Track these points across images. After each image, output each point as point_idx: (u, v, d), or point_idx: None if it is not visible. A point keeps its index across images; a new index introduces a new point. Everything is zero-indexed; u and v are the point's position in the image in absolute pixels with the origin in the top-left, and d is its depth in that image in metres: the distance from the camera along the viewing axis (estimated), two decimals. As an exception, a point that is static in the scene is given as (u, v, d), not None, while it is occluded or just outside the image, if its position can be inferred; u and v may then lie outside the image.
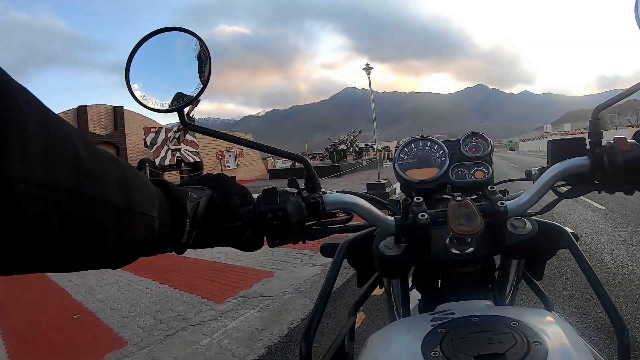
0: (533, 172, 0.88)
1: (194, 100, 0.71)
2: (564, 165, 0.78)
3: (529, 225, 0.74)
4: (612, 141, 0.76)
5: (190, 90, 0.70)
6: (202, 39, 0.70)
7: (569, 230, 0.79)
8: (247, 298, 4.53)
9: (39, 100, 0.40)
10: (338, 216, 0.81)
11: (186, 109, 0.72)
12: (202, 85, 0.70)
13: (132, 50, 0.69)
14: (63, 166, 0.40)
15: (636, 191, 0.78)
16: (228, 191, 0.70)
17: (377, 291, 0.97)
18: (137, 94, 0.70)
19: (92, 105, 24.33)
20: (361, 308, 0.93)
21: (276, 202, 0.70)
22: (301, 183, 0.77)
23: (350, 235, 0.86)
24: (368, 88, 16.73)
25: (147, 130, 21.82)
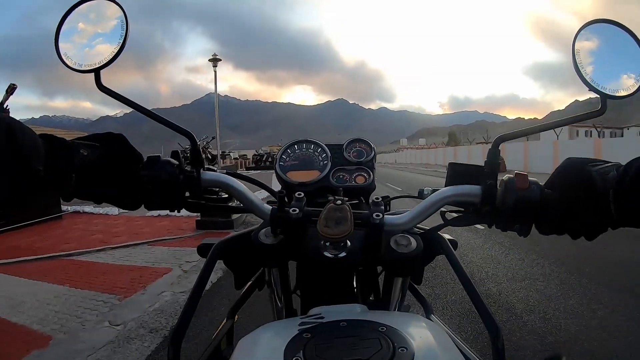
0: (425, 191, 0.88)
1: (109, 64, 0.72)
2: (455, 190, 0.75)
3: (413, 243, 0.72)
4: (512, 175, 0.69)
5: (107, 54, 0.72)
6: (124, 8, 0.75)
7: (447, 237, 0.80)
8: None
9: None
10: (220, 195, 0.85)
11: (102, 72, 0.74)
12: (116, 51, 0.72)
13: (65, 14, 0.73)
14: None
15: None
16: (119, 152, 0.73)
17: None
18: (62, 52, 0.73)
19: None
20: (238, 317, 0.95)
21: (154, 169, 0.73)
22: None
23: (226, 236, 0.85)
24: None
25: None
